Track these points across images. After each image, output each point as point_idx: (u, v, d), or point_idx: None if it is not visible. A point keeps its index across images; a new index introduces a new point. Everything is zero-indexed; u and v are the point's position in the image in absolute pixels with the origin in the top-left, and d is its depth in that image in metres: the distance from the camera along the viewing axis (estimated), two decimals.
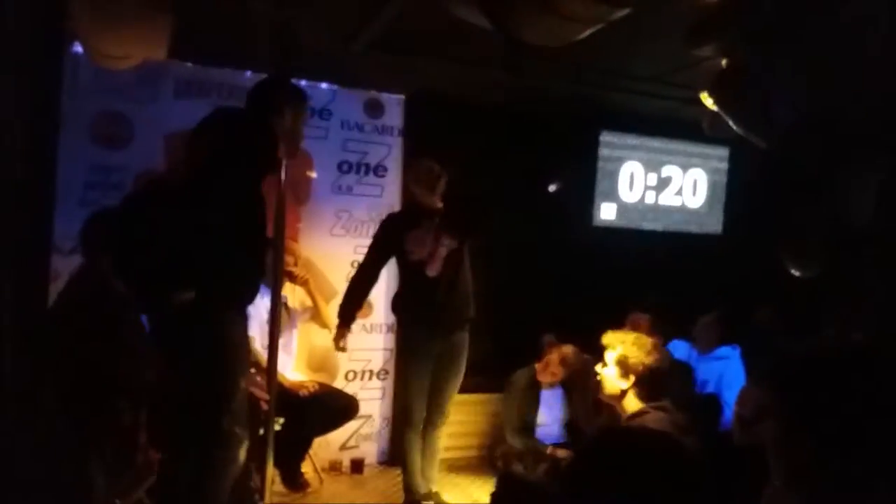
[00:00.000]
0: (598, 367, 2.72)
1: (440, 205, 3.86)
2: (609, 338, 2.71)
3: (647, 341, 2.69)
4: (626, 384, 2.62)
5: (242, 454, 2.73)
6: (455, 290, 3.87)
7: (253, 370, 3.96)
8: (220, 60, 4.15)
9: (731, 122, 3.22)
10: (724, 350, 4.62)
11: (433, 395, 3.93)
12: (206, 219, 2.56)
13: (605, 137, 5.30)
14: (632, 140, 5.38)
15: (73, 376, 2.90)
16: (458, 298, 3.90)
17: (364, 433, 4.76)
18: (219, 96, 4.19)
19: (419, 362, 3.89)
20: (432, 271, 3.81)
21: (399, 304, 4.04)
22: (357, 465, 4.63)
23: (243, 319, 2.82)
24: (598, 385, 2.74)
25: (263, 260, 2.83)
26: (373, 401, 4.80)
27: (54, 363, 2.92)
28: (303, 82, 4.20)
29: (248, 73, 4.14)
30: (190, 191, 2.61)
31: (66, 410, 2.93)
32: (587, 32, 2.53)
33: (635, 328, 3.94)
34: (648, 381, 2.62)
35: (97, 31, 2.77)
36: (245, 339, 2.86)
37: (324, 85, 4.54)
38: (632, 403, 2.63)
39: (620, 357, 2.64)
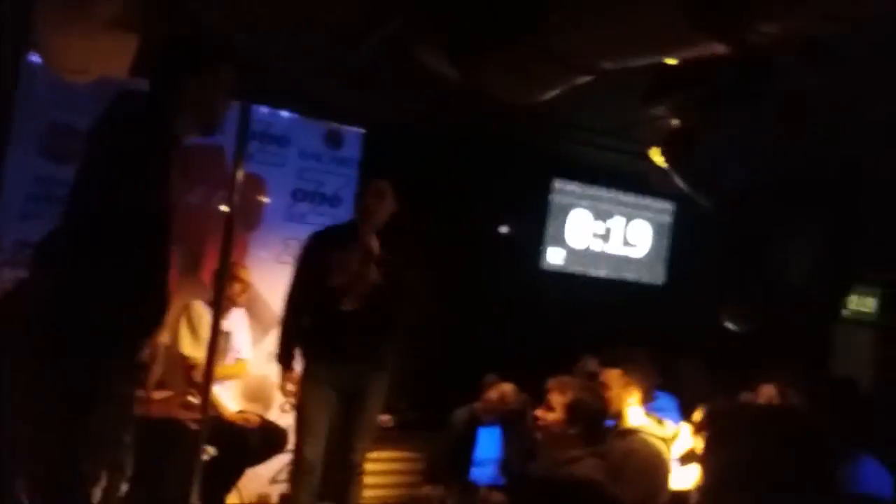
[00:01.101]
0: (541, 412, 2.76)
1: (374, 231, 3.57)
2: (558, 382, 2.75)
3: (594, 387, 2.76)
4: (572, 430, 2.66)
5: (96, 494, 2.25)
6: (371, 329, 3.53)
7: (192, 397, 3.89)
8: None
9: (677, 179, 3.36)
10: (663, 401, 4.71)
11: (344, 437, 3.61)
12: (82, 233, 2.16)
13: (557, 184, 5.43)
14: (582, 188, 5.53)
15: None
16: (373, 338, 3.56)
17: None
18: None
19: (317, 397, 3.54)
20: (349, 304, 3.48)
21: (307, 333, 3.66)
22: (286, 501, 4.54)
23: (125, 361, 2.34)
24: (538, 427, 2.78)
25: (159, 292, 2.31)
26: None
27: None
28: (264, 108, 4.20)
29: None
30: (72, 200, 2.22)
31: None
32: (551, 94, 2.63)
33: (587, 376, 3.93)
34: (594, 428, 2.67)
35: (61, 44, 2.72)
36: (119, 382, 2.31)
37: (285, 113, 4.55)
38: (572, 448, 2.67)
39: (571, 402, 2.67)
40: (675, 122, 3.21)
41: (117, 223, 2.12)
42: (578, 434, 2.67)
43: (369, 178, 4.57)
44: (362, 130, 4.78)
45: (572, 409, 2.68)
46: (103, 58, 2.84)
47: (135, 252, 2.17)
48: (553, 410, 2.72)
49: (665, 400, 4.68)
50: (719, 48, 2.14)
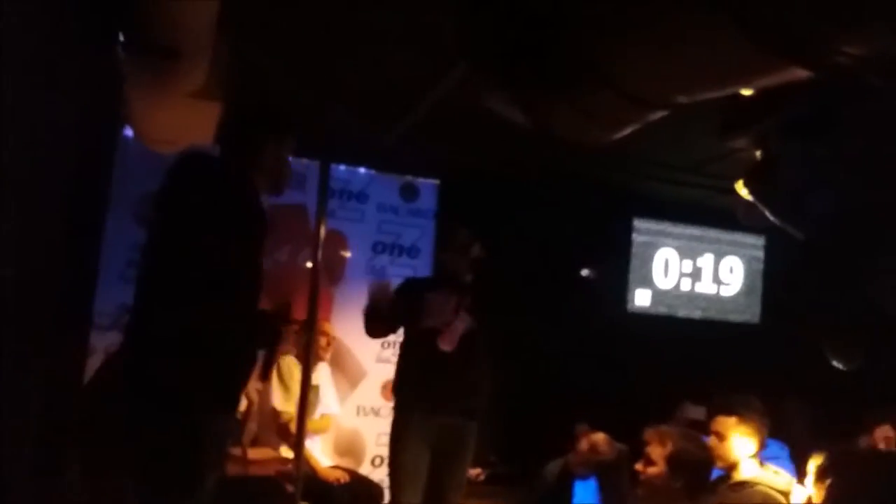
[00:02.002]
0: (640, 466, 2.63)
1: (468, 277, 3.56)
2: (657, 433, 2.62)
3: (696, 436, 2.62)
4: (676, 483, 2.51)
5: None
6: (465, 375, 3.44)
7: (285, 452, 3.94)
8: None
9: (765, 212, 3.22)
10: (773, 449, 4.43)
11: (430, 493, 3.45)
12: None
13: (639, 224, 5.32)
14: (666, 227, 5.40)
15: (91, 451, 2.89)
16: (467, 385, 3.47)
17: None
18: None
19: (412, 451, 3.43)
20: (446, 344, 3.37)
21: (398, 381, 3.59)
22: None
23: (227, 417, 2.46)
24: (640, 482, 2.65)
25: (254, 345, 2.42)
26: None
27: (85, 438, 2.93)
28: (342, 167, 4.32)
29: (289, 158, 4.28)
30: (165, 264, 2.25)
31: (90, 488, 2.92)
32: (624, 133, 2.57)
33: (689, 424, 3.73)
34: (700, 479, 2.52)
35: (149, 116, 2.90)
36: (222, 438, 2.44)
37: (362, 169, 4.69)
38: (677, 502, 2.52)
39: (672, 453, 2.53)
40: (756, 153, 3.09)
41: (211, 279, 2.18)
42: (682, 487, 2.52)
43: (446, 228, 4.64)
44: (437, 181, 4.88)
45: (675, 461, 2.53)
46: (188, 128, 2.99)
47: (226, 306, 2.22)
48: (654, 463, 2.58)
49: (775, 447, 4.40)
50: (798, 73, 2.05)
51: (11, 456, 2.15)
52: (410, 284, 3.70)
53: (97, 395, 2.96)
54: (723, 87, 2.28)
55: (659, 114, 2.32)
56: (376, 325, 3.55)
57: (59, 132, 2.21)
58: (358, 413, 4.64)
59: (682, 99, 2.22)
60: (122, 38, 2.25)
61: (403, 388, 3.56)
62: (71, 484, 2.91)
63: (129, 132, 3.65)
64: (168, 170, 2.32)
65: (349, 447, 4.56)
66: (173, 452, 2.20)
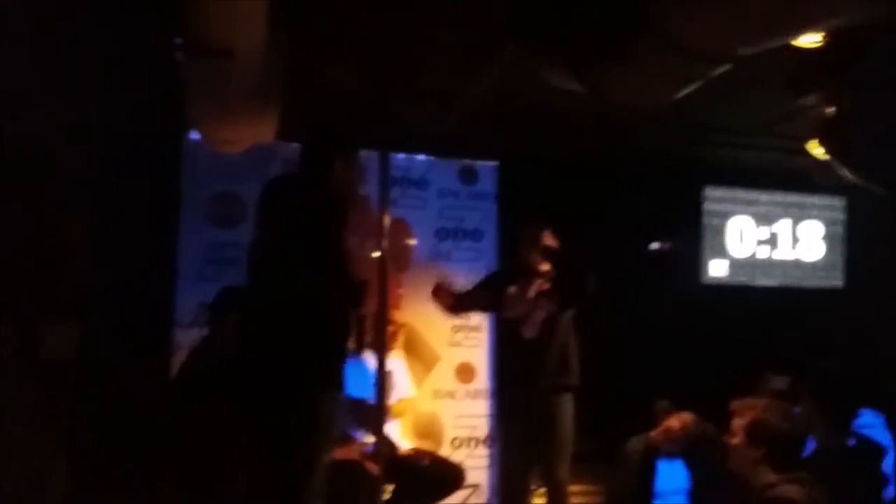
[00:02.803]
0: (726, 438, 2.57)
1: (544, 267, 3.79)
2: (739, 404, 2.56)
3: (781, 406, 2.53)
4: (757, 453, 2.44)
5: None
6: (550, 356, 3.74)
7: (367, 438, 4.02)
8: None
9: (842, 171, 3.08)
10: (866, 417, 4.24)
11: (540, 464, 3.79)
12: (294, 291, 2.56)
13: (710, 192, 5.16)
14: (738, 194, 5.22)
15: (192, 444, 3.02)
16: (554, 364, 3.75)
17: (473, 503, 4.67)
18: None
19: (516, 426, 3.79)
20: (528, 332, 3.72)
21: (495, 364, 4.06)
22: None
23: (336, 394, 2.77)
24: (725, 455, 2.59)
25: (350, 332, 2.82)
26: (480, 469, 4.71)
27: (176, 431, 3.06)
28: (401, 155, 4.34)
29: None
30: (270, 266, 2.63)
31: (185, 481, 3.05)
32: (684, 91, 2.49)
33: (774, 395, 3.64)
34: (782, 451, 2.44)
35: (212, 119, 2.98)
36: (333, 416, 2.77)
37: (420, 156, 4.70)
38: (764, 475, 2.45)
39: (750, 423, 2.47)
40: (829, 109, 2.95)
41: (320, 275, 2.57)
42: (763, 457, 2.45)
43: (507, 210, 4.68)
44: (496, 163, 4.83)
45: (752, 432, 2.47)
46: (249, 127, 3.07)
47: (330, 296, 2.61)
48: (735, 435, 2.53)
49: (869, 416, 4.22)
50: (871, 9, 1.90)
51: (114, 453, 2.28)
52: (493, 277, 3.99)
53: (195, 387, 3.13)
54: (790, 32, 2.15)
55: (720, 69, 2.22)
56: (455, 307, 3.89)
57: (128, 139, 2.31)
58: (435, 396, 4.68)
59: (745, 50, 2.11)
60: (179, 42, 2.32)
61: (500, 370, 3.97)
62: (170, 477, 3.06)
63: (195, 135, 3.76)
64: (260, 195, 2.75)
65: (428, 430, 4.60)
66: (290, 432, 2.52)
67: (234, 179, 4.27)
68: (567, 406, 3.80)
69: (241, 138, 3.23)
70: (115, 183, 2.19)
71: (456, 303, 3.81)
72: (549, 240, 3.79)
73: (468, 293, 3.89)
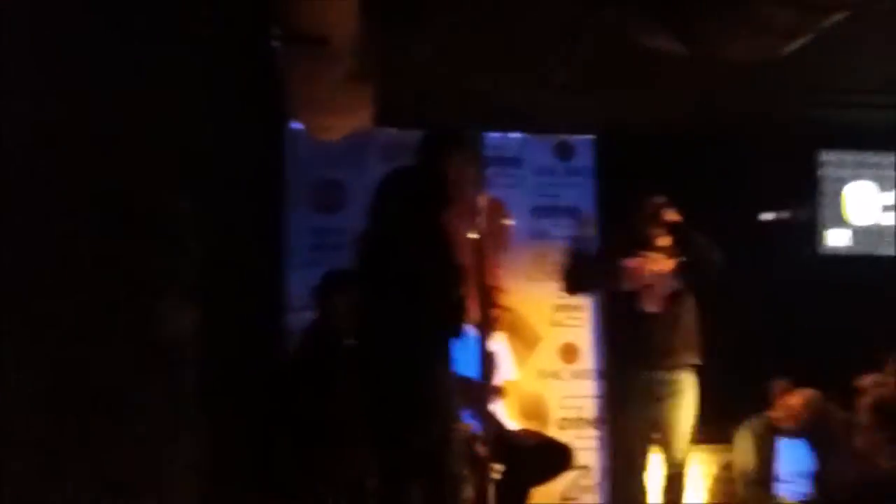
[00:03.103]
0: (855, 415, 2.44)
1: (665, 242, 3.68)
2: (865, 381, 2.43)
3: None
4: (884, 434, 2.31)
5: (469, 493, 2.83)
6: (674, 331, 3.62)
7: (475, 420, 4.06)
8: (420, 123, 4.39)
9: None
10: None
11: (662, 442, 3.67)
12: (411, 278, 2.67)
13: (826, 157, 4.86)
14: (858, 157, 4.89)
15: (300, 425, 3.14)
16: (677, 340, 3.63)
17: (583, 485, 4.62)
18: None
19: (636, 405, 3.66)
20: (651, 306, 3.60)
21: (614, 340, 3.91)
22: None
23: (450, 367, 2.86)
24: (851, 435, 2.46)
25: (464, 309, 2.86)
26: (589, 451, 4.65)
27: (289, 411, 3.20)
28: (494, 134, 4.32)
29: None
30: (390, 252, 2.74)
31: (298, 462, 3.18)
32: (793, 45, 2.35)
33: None
34: None
35: (309, 106, 3.06)
36: (453, 386, 2.88)
37: (514, 134, 4.65)
38: (890, 451, 2.31)
39: (877, 404, 2.34)
40: None
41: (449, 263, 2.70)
42: (887, 438, 2.31)
43: (605, 186, 4.58)
44: (591, 137, 4.72)
45: (878, 411, 2.33)
46: (347, 113, 3.14)
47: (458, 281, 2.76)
48: (863, 414, 2.39)
49: None
50: None
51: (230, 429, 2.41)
52: (605, 251, 3.91)
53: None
54: None
55: (833, 18, 2.07)
56: (573, 285, 3.86)
57: (235, 130, 2.41)
58: (539, 377, 4.66)
59: None
60: (276, 31, 2.39)
61: (620, 347, 3.81)
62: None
63: (297, 125, 3.88)
64: (378, 185, 2.85)
65: (534, 411, 4.59)
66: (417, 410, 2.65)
67: (334, 166, 4.39)
68: (691, 386, 3.67)
69: (340, 125, 3.31)
70: (223, 171, 2.29)
71: (572, 278, 3.77)
72: (670, 214, 3.66)
73: (586, 269, 3.84)
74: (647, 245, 3.68)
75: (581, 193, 4.75)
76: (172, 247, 1.82)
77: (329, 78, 2.62)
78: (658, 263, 3.62)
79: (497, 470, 3.46)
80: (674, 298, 3.62)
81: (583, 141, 4.75)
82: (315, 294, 3.71)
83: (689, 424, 3.68)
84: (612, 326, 3.87)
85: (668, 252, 3.65)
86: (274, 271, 4.13)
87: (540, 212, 4.72)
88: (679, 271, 3.62)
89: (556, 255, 4.59)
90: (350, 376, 3.27)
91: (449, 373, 2.83)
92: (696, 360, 3.67)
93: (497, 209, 4.48)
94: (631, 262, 3.63)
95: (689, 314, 3.69)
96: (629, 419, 3.73)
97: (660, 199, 3.69)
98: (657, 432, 3.66)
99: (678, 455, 3.67)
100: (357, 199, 4.40)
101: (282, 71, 2.62)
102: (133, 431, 1.66)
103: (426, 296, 2.67)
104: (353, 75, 2.78)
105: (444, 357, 2.78)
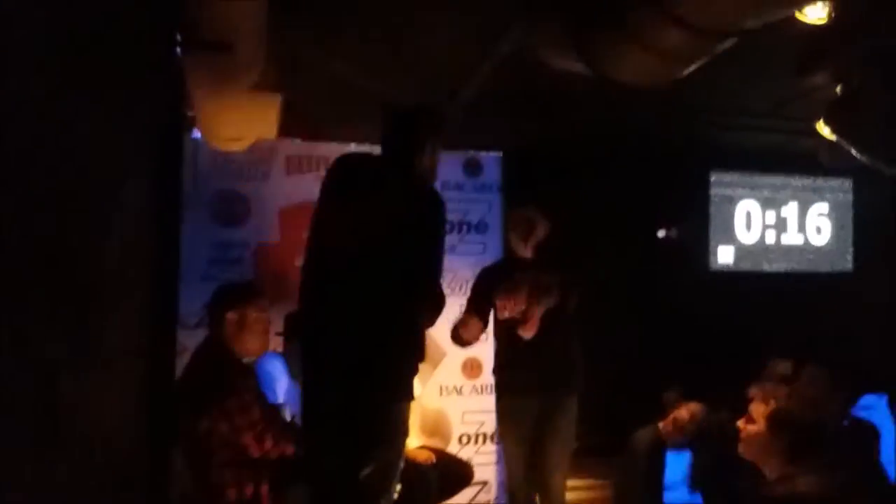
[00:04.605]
0: (742, 423, 2.52)
1: (536, 258, 3.55)
2: (761, 390, 2.52)
3: (809, 394, 2.50)
4: (778, 443, 2.40)
5: None
6: (554, 356, 3.50)
7: None
8: (325, 135, 4.32)
9: (852, 150, 3.05)
10: (868, 399, 4.23)
11: (538, 465, 3.61)
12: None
13: (716, 177, 5.12)
14: (745, 178, 5.17)
15: (192, 445, 2.99)
16: (558, 365, 3.53)
17: (481, 501, 4.63)
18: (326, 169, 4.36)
19: (515, 428, 3.62)
20: (527, 333, 3.41)
21: (495, 365, 3.77)
22: None
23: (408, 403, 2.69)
24: (740, 440, 2.54)
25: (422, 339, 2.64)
26: (488, 466, 4.68)
27: (179, 432, 3.04)
28: None
29: (353, 145, 4.29)
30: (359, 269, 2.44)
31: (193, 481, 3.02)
32: (689, 69, 2.45)
33: (779, 379, 3.61)
34: (805, 441, 2.39)
35: (213, 115, 2.95)
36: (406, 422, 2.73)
37: None
38: (781, 465, 2.40)
39: (775, 412, 2.42)
40: (837, 88, 2.92)
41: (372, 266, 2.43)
42: (784, 448, 2.40)
43: (511, 201, 4.58)
44: (499, 154, 4.78)
45: (775, 420, 2.42)
46: (252, 123, 3.04)
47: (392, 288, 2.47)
48: (755, 422, 2.47)
49: (871, 398, 4.20)
50: None
51: (127, 456, 2.25)
52: (483, 277, 3.71)
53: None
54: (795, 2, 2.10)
55: (725, 44, 2.18)
56: (464, 344, 3.64)
57: (130, 137, 2.27)
58: (441, 393, 4.64)
59: (751, 23, 2.07)
60: (178, 37, 2.29)
61: (500, 373, 3.70)
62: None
63: (197, 134, 3.73)
64: (335, 173, 2.61)
65: (435, 427, 4.57)
66: (367, 440, 2.47)
67: (236, 177, 4.25)
68: (568, 413, 3.61)
69: (244, 135, 3.21)
70: (117, 181, 2.15)
71: (468, 330, 3.50)
72: (539, 227, 3.53)
73: (468, 313, 3.55)
74: (520, 264, 3.54)
75: (489, 210, 4.77)
76: (55, 267, 1.70)
77: (234, 86, 2.53)
78: (528, 284, 3.40)
79: (395, 490, 3.40)
80: (551, 320, 3.44)
81: (490, 157, 4.79)
82: (208, 309, 3.56)
83: (565, 453, 3.66)
84: (496, 351, 3.76)
85: (540, 269, 3.50)
86: (168, 287, 3.94)
87: (448, 226, 4.69)
88: (553, 290, 3.43)
89: (463, 270, 4.66)
90: (247, 397, 3.14)
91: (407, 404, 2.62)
92: (575, 386, 3.60)
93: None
94: (499, 294, 3.43)
95: (568, 336, 3.56)
96: (507, 444, 3.70)
97: (528, 210, 3.55)
98: (534, 457, 3.58)
99: (552, 485, 3.63)
100: (259, 211, 4.29)
101: (183, 78, 2.50)
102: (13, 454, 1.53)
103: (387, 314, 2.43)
104: (259, 83, 2.70)
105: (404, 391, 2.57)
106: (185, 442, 3.02)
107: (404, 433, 2.63)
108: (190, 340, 3.73)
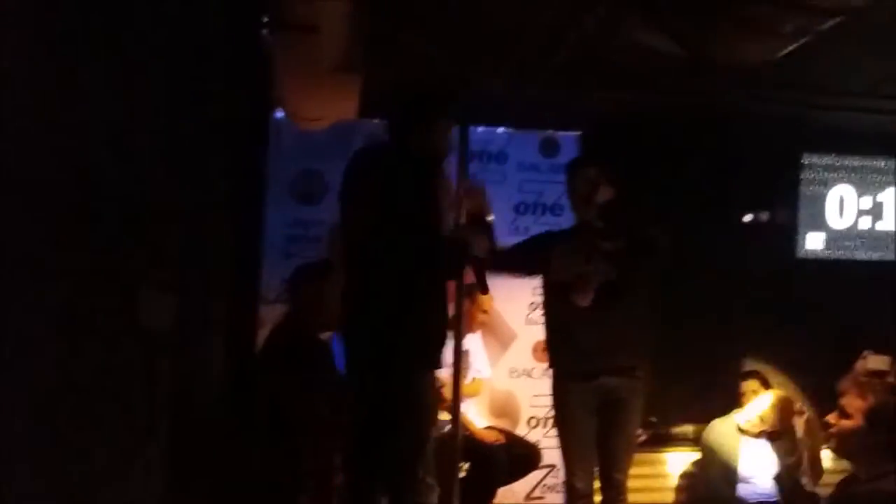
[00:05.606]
0: (834, 418, 2.42)
1: (598, 223, 3.21)
2: (854, 384, 2.40)
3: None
4: (877, 438, 2.28)
5: (434, 502, 2.74)
6: (609, 330, 3.14)
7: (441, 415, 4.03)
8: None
9: None
10: None
11: (599, 460, 3.28)
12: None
13: (808, 160, 4.89)
14: (839, 161, 4.92)
15: (270, 414, 3.09)
16: (613, 340, 3.16)
17: (549, 484, 4.60)
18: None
19: (572, 417, 3.25)
20: (582, 300, 3.13)
21: (547, 342, 3.46)
22: None
23: (433, 372, 2.79)
24: (832, 435, 2.44)
25: (446, 311, 2.77)
26: (556, 449, 4.63)
27: (258, 403, 3.14)
28: (479, 129, 4.27)
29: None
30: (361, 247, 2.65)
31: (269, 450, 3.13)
32: (789, 48, 2.34)
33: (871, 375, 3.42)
34: None
35: (296, 96, 3.00)
36: (432, 393, 2.85)
37: (500, 129, 4.60)
38: (881, 461, 2.29)
39: (876, 407, 2.31)
40: None
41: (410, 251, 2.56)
42: (882, 443, 2.29)
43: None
44: (578, 133, 4.67)
45: (875, 415, 2.30)
46: (333, 102, 3.08)
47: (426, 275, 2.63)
48: (849, 416, 2.36)
49: None
50: None
51: (205, 424, 2.35)
52: (541, 238, 3.53)
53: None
54: None
55: (829, 23, 2.06)
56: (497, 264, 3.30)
57: (219, 116, 2.34)
58: (511, 375, 4.63)
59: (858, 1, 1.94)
60: (265, 19, 2.34)
61: (553, 350, 3.39)
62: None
63: (280, 114, 3.81)
64: (346, 167, 2.69)
65: (504, 409, 4.57)
66: (398, 411, 2.56)
67: (316, 156, 4.31)
68: (631, 401, 3.26)
69: (325, 114, 3.26)
70: (203, 160, 2.22)
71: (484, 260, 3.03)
72: (602, 188, 3.20)
73: (503, 252, 3.26)
74: (582, 229, 3.28)
75: (564, 191, 4.65)
76: (152, 236, 1.77)
77: (317, 66, 2.57)
78: (589, 249, 3.16)
79: (463, 468, 3.41)
80: (611, 291, 3.15)
81: (569, 137, 4.68)
82: (287, 286, 3.65)
83: (631, 439, 3.35)
84: (547, 325, 3.42)
85: (603, 236, 3.18)
86: (251, 262, 4.06)
87: (522, 208, 4.66)
88: (616, 259, 3.15)
89: None
90: (322, 370, 3.24)
91: (433, 374, 2.76)
92: (637, 364, 3.24)
93: (478, 198, 4.37)
94: (555, 252, 3.23)
95: (628, 315, 3.20)
96: (561, 432, 3.35)
97: (594, 174, 3.24)
98: (593, 447, 3.25)
99: (615, 475, 3.28)
100: (336, 191, 4.34)
101: (269, 59, 2.55)
102: (109, 422, 1.61)
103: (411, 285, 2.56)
104: (341, 64, 2.73)
105: (430, 357, 2.69)
106: (262, 411, 3.13)
107: (431, 403, 2.75)
108: (269, 315, 3.85)
